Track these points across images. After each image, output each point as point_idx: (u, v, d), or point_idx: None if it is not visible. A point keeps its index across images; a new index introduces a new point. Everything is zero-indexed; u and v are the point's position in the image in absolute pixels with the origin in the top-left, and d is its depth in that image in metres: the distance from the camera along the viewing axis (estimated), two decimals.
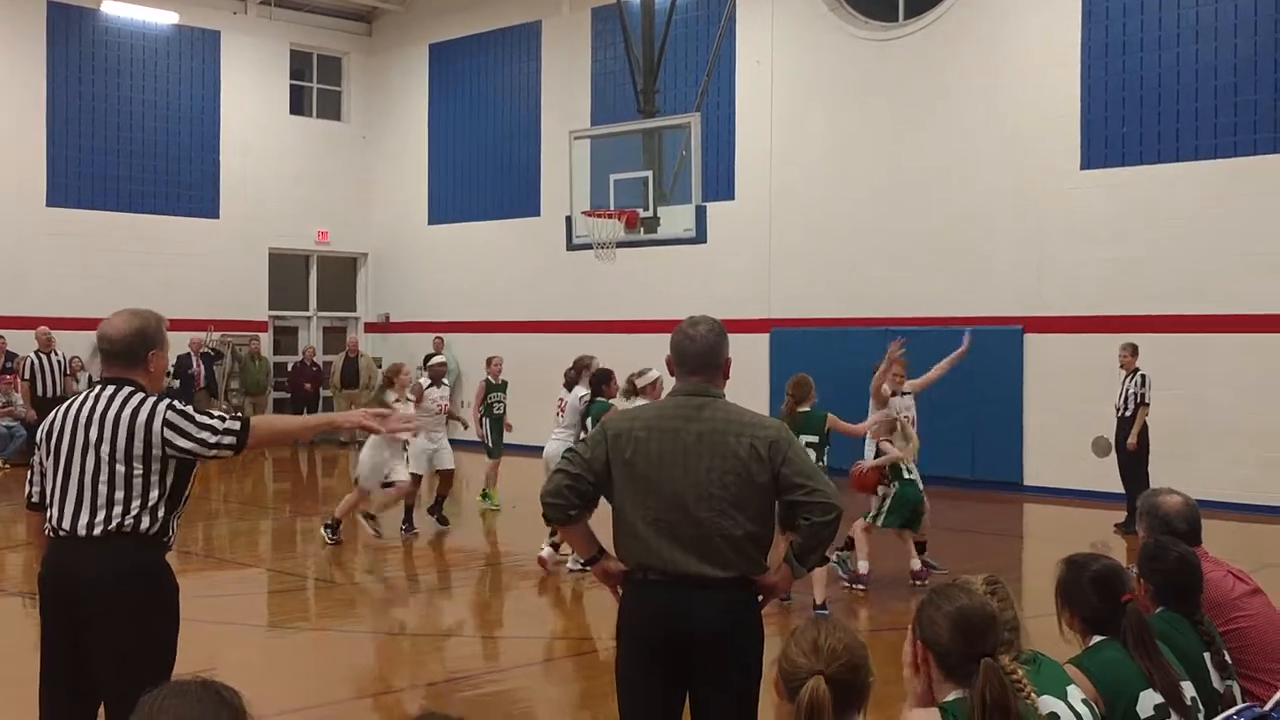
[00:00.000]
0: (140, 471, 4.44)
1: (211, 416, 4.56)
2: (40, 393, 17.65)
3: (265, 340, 23.56)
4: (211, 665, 7.51)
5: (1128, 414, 13.70)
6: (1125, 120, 15.82)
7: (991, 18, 16.97)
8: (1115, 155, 15.91)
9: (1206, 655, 4.15)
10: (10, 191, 20.67)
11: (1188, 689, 3.86)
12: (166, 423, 4.46)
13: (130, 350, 4.59)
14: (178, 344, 18.76)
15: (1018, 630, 3.52)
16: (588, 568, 4.59)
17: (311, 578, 11.36)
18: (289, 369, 23.62)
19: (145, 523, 4.45)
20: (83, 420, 4.50)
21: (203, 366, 21.31)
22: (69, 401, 4.67)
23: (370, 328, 25.13)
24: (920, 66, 17.50)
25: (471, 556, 12.43)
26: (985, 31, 17.02)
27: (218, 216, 22.96)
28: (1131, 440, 13.55)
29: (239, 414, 4.68)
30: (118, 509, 4.42)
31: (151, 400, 4.52)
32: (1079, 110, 16.15)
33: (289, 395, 23.18)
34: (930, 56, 17.46)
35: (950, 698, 3.14)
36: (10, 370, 19.32)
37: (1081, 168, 16.14)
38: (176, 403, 4.57)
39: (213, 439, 4.49)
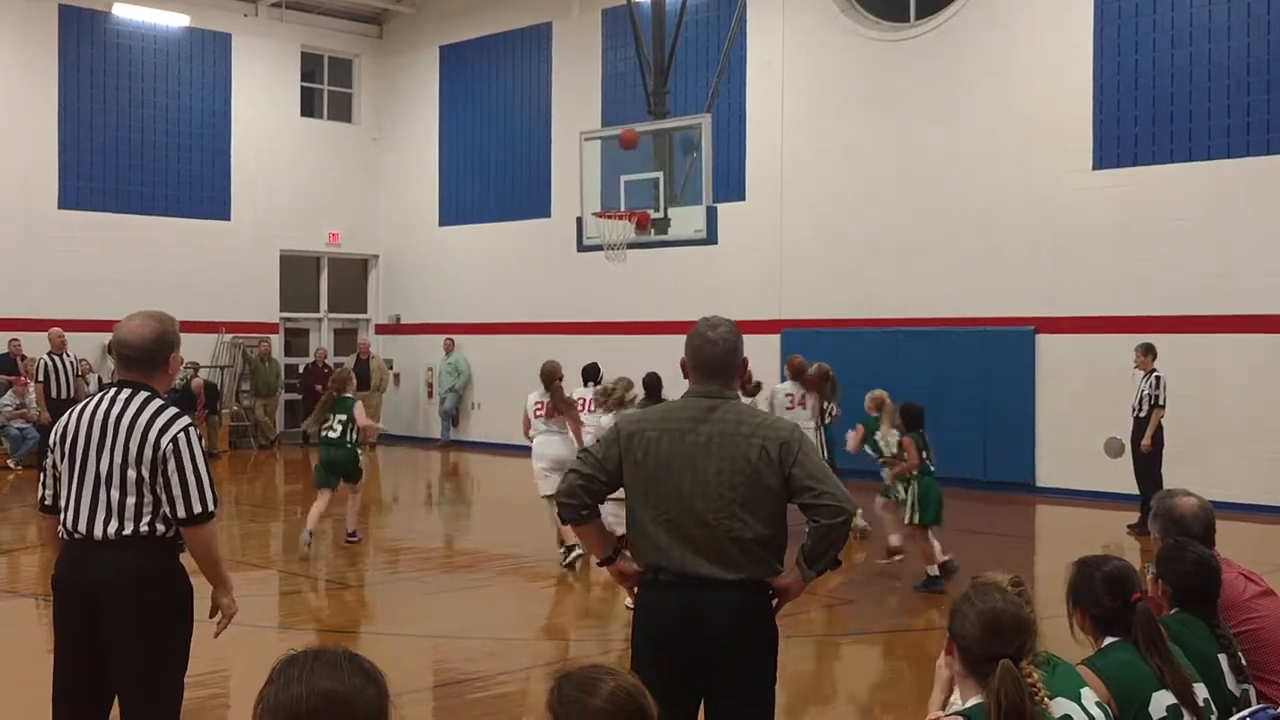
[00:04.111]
0: (150, 477, 4.45)
1: (209, 479, 4.50)
2: (54, 394, 17.65)
3: (276, 342, 23.61)
4: (223, 666, 7.52)
5: (1142, 415, 13.63)
6: (1137, 120, 15.77)
7: (1003, 18, 16.92)
8: (1127, 155, 15.87)
9: (1222, 657, 4.13)
10: (22, 194, 20.73)
11: (1200, 690, 3.85)
12: (174, 440, 4.45)
13: (150, 356, 4.59)
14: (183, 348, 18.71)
15: (1034, 632, 3.53)
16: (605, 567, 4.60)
17: (323, 580, 11.38)
18: (300, 370, 23.66)
19: (160, 527, 4.46)
20: (98, 423, 4.51)
21: (203, 393, 20.52)
22: (83, 404, 4.67)
23: (381, 329, 25.17)
24: (932, 67, 17.46)
25: (484, 559, 12.43)
26: (997, 32, 16.97)
27: (229, 218, 23.00)
28: (1146, 442, 13.49)
29: (213, 509, 4.54)
30: (130, 513, 4.43)
31: (171, 412, 4.52)
32: (1091, 110, 16.10)
33: (300, 397, 23.21)
34: (942, 57, 17.42)
35: (971, 703, 3.17)
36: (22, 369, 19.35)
37: (1094, 168, 16.09)
38: (194, 429, 4.57)
39: (191, 493, 4.42)
